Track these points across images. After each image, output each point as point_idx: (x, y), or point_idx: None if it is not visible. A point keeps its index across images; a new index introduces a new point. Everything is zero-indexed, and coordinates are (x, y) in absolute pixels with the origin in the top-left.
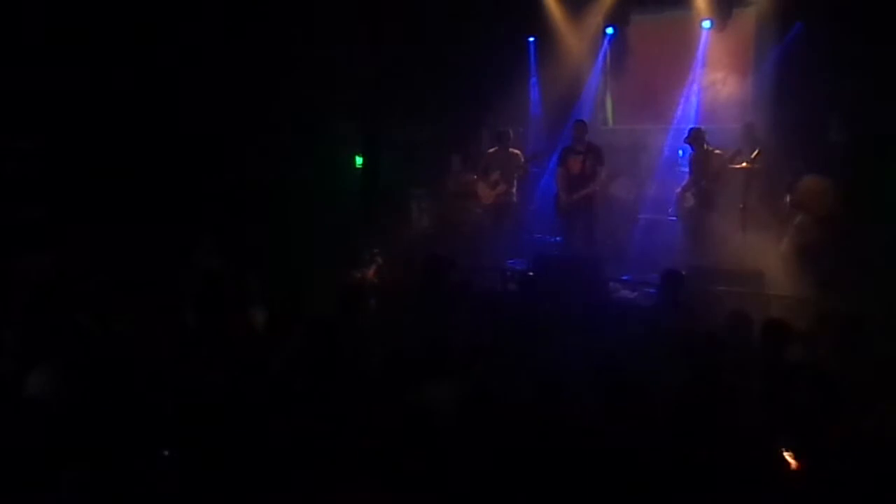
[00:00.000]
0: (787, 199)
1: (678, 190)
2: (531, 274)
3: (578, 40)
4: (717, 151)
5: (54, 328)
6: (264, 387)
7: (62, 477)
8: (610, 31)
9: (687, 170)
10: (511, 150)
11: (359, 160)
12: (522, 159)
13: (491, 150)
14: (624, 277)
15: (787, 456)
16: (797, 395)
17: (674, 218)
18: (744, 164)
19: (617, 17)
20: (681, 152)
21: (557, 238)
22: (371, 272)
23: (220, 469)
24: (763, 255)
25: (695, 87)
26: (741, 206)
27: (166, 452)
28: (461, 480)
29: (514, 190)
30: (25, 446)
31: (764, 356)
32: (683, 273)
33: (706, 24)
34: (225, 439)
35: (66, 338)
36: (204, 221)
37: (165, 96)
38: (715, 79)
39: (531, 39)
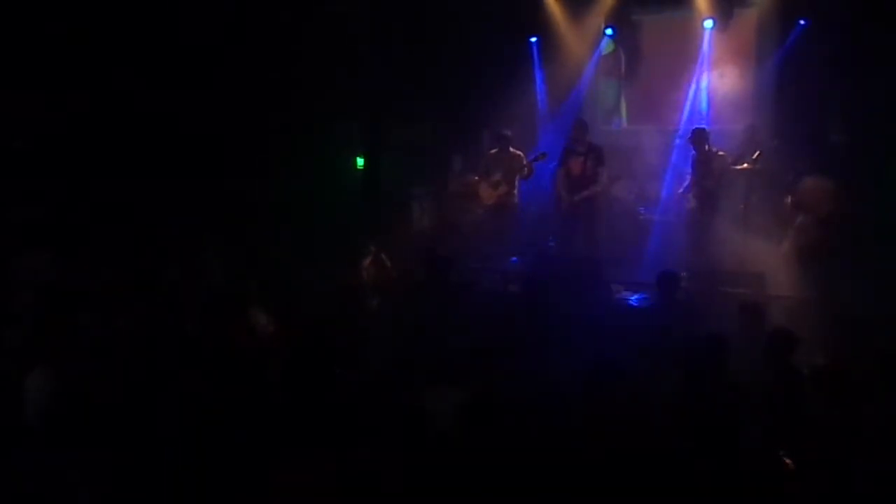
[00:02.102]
0: (789, 199)
1: (680, 191)
2: (532, 275)
3: (580, 41)
4: (720, 152)
5: (56, 328)
6: (264, 388)
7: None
8: (609, 31)
9: (689, 170)
10: (512, 150)
11: (360, 161)
12: (525, 160)
13: (492, 151)
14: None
15: (786, 461)
16: (800, 397)
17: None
18: (745, 165)
19: (617, 18)
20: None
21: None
22: (373, 272)
23: (220, 469)
24: (764, 255)
25: (698, 88)
26: (742, 206)
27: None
28: (463, 483)
29: (515, 191)
30: (27, 444)
31: (769, 362)
32: (683, 274)
33: (708, 23)
34: (224, 440)
35: (67, 338)
36: (205, 222)
37: (167, 97)
38: (717, 79)
39: (533, 40)
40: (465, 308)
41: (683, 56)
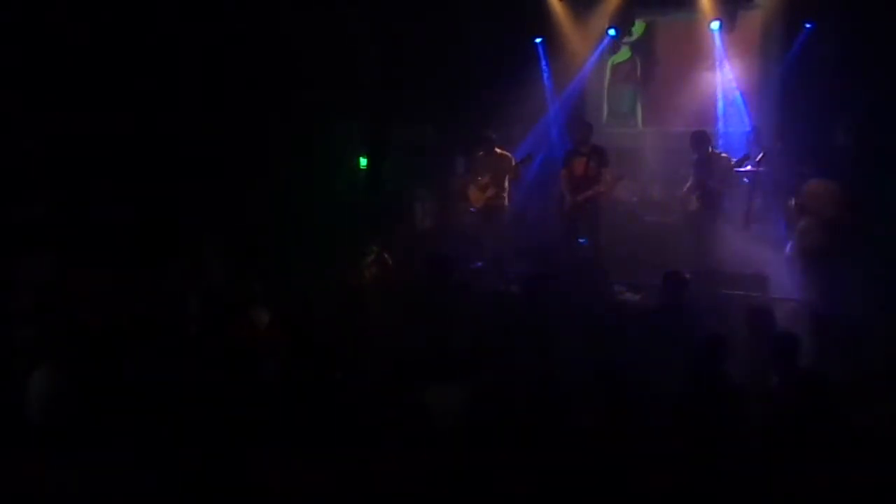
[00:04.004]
0: (792, 202)
1: (682, 192)
2: (534, 276)
3: (584, 42)
4: (723, 154)
5: (57, 328)
6: (266, 388)
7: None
8: (612, 32)
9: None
10: (499, 152)
11: (362, 161)
12: (513, 161)
13: (479, 154)
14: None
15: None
16: (805, 400)
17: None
18: (748, 167)
19: (623, 20)
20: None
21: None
22: (375, 272)
23: (220, 469)
24: (767, 258)
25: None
26: (746, 208)
27: None
28: (464, 482)
29: (504, 193)
30: (29, 443)
31: (774, 365)
32: (687, 276)
33: (715, 25)
34: (226, 439)
35: (68, 338)
36: (206, 222)
37: (168, 97)
38: (721, 81)
39: (538, 41)
40: (467, 308)
41: (698, 59)
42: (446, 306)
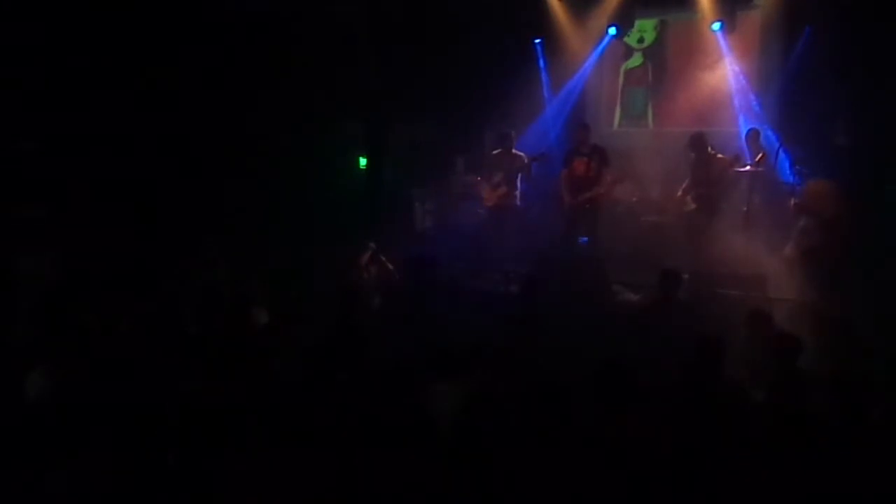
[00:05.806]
0: (792, 202)
1: (679, 193)
2: (534, 276)
3: (584, 42)
4: (720, 155)
5: (56, 328)
6: (265, 388)
7: (53, 475)
8: (612, 31)
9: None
10: (514, 151)
11: (362, 161)
12: (526, 160)
13: (494, 152)
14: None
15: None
16: (804, 400)
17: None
18: (748, 167)
19: (621, 18)
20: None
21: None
22: (373, 272)
23: (219, 469)
24: (766, 258)
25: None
26: (745, 209)
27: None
28: (464, 482)
29: (516, 192)
30: (27, 445)
31: (773, 365)
32: (685, 275)
33: (716, 26)
34: (225, 439)
35: (67, 338)
36: (207, 222)
37: (168, 97)
38: (721, 80)
39: (538, 41)
40: (465, 307)
41: (705, 60)
42: (434, 307)
